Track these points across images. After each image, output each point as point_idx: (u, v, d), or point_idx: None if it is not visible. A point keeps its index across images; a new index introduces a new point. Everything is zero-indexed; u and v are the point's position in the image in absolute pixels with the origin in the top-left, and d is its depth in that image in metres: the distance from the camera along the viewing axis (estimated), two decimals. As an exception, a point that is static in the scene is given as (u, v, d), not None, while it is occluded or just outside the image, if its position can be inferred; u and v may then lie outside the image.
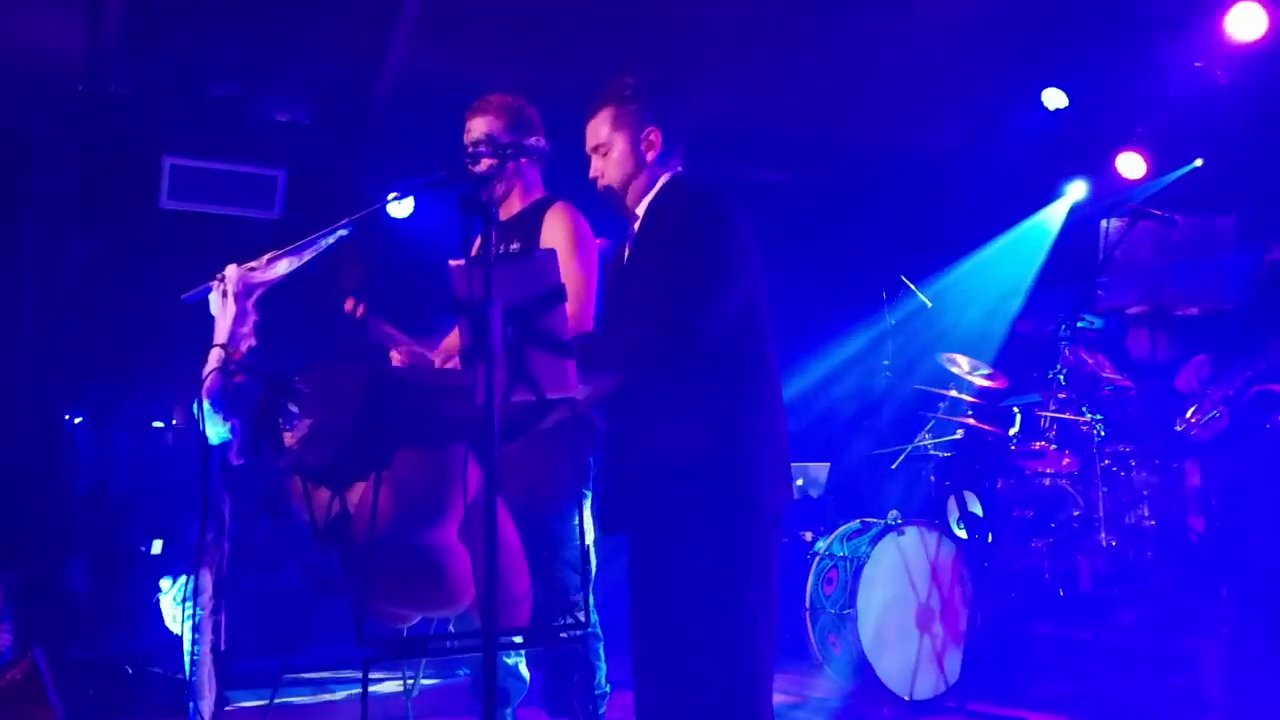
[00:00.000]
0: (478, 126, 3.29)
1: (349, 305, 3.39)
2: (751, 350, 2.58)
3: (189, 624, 3.31)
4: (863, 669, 4.56)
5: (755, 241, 2.62)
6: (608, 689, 3.43)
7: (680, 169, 2.72)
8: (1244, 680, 3.95)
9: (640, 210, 2.69)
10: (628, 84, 2.66)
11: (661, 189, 2.67)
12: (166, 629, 3.63)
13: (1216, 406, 3.73)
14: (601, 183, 2.71)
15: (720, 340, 2.51)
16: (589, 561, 3.25)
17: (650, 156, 2.66)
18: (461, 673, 5.49)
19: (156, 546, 5.71)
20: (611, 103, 2.67)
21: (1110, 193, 5.85)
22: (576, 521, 3.25)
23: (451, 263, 2.30)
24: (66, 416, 6.19)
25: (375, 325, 3.46)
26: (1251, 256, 4.07)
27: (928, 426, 5.52)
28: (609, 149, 2.67)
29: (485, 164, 2.58)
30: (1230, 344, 3.88)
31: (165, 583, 3.56)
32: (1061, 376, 4.81)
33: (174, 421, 6.64)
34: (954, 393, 5.34)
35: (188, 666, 3.32)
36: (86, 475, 6.26)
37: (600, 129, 2.68)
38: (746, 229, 2.60)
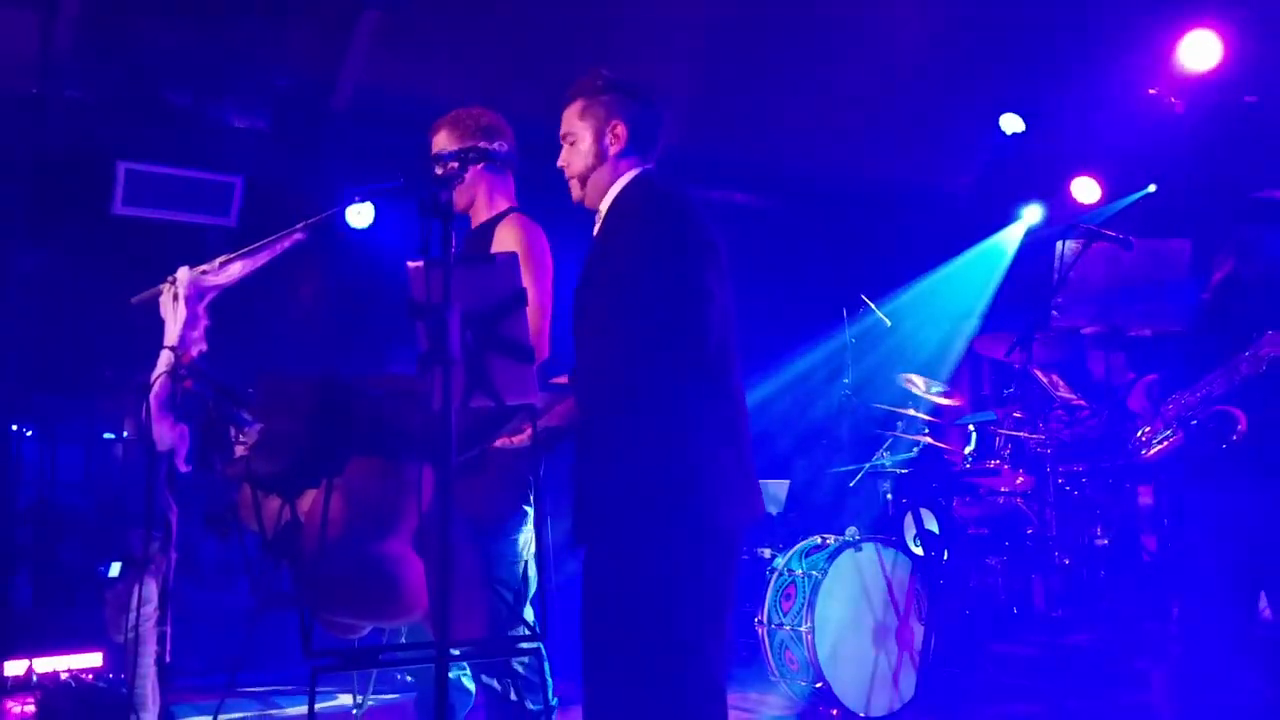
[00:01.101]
0: (440, 142, 3.28)
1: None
2: (713, 364, 2.56)
3: (131, 636, 3.23)
4: (820, 685, 4.55)
5: (720, 249, 2.61)
6: (555, 703, 3.39)
7: (650, 167, 2.72)
8: (1194, 700, 3.98)
9: (603, 207, 2.69)
10: (599, 77, 2.72)
11: (625, 188, 2.67)
12: (112, 643, 3.55)
13: (1169, 426, 3.77)
14: (567, 172, 2.76)
15: (675, 353, 2.49)
16: (527, 578, 3.20)
17: (614, 150, 2.69)
18: (408, 679, 5.42)
19: (114, 569, 5.59)
20: (582, 95, 2.73)
21: (1065, 217, 5.94)
22: (513, 538, 3.19)
23: (410, 264, 2.27)
24: (15, 427, 6.05)
25: None
26: (1204, 279, 4.14)
27: (886, 444, 5.55)
28: (575, 139, 2.73)
29: (448, 168, 2.56)
30: (1182, 365, 3.93)
31: (109, 593, 3.47)
32: (1016, 396, 4.86)
33: (124, 434, 6.52)
34: (912, 411, 5.37)
35: (131, 677, 3.24)
36: (33, 488, 6.13)
37: (570, 119, 2.74)
38: (710, 236, 2.59)
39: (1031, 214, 6.52)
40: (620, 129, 2.68)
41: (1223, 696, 3.95)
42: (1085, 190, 6.05)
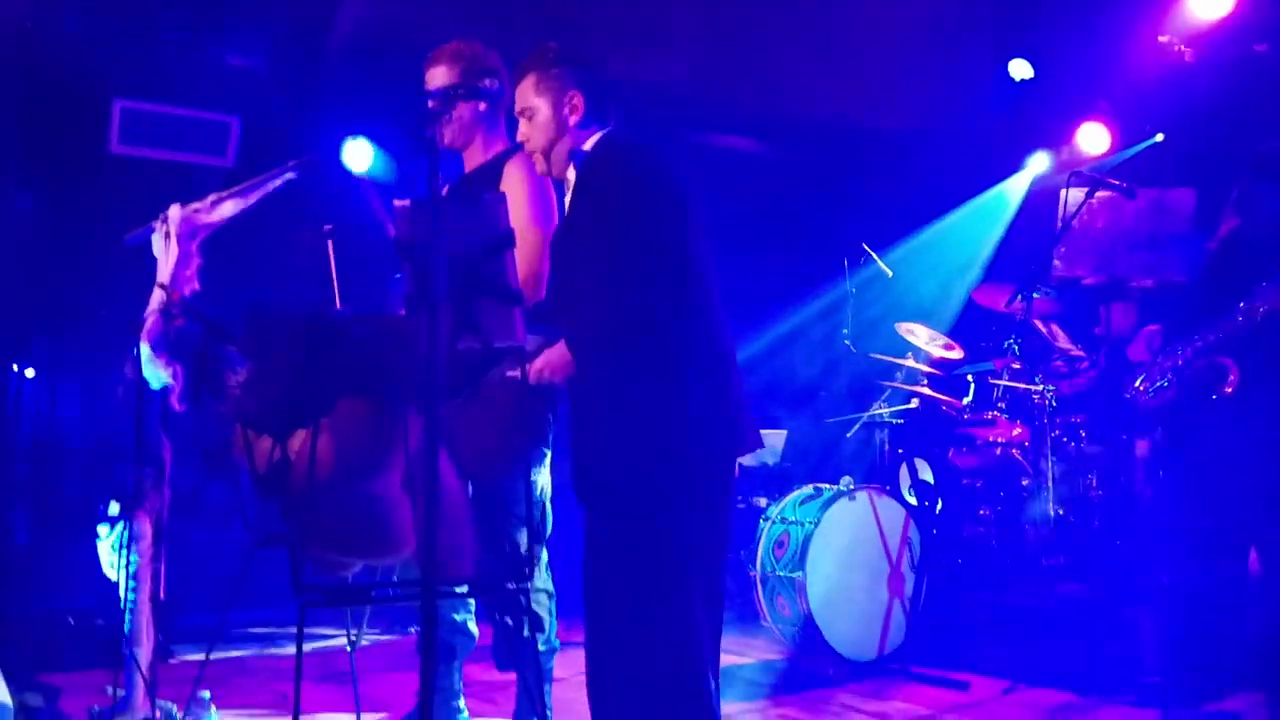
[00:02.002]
0: (435, 77, 3.24)
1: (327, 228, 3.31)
2: (691, 314, 2.57)
3: (126, 572, 3.26)
4: (810, 631, 4.59)
5: (688, 199, 2.60)
6: (557, 645, 3.43)
7: (612, 126, 2.75)
8: (1181, 647, 4.01)
9: (570, 175, 2.73)
10: (548, 50, 2.75)
11: (591, 151, 2.71)
12: (109, 581, 3.57)
13: (1165, 376, 3.76)
14: (528, 146, 2.78)
15: (655, 309, 2.50)
16: (543, 518, 3.24)
17: (573, 120, 2.73)
18: (411, 629, 5.49)
19: (114, 508, 5.63)
20: (534, 69, 2.75)
21: (1072, 166, 5.86)
22: (529, 479, 3.23)
23: (396, 203, 2.25)
24: (15, 368, 6.06)
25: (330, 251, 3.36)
26: (1208, 231, 4.10)
27: (884, 395, 5.54)
28: (534, 113, 2.75)
29: (433, 106, 2.54)
30: (1184, 316, 3.91)
31: (103, 529, 3.49)
32: (1016, 346, 4.83)
33: (126, 374, 6.53)
34: (910, 362, 5.35)
35: (126, 615, 3.28)
36: (32, 427, 6.15)
37: (526, 94, 2.76)
38: (676, 187, 2.59)
39: (1038, 163, 6.44)
40: (577, 99, 2.72)
41: (1211, 649, 3.98)
42: (1093, 139, 5.97)
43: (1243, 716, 3.71)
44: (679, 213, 2.57)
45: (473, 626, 3.53)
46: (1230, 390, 3.53)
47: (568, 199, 2.74)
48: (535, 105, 2.74)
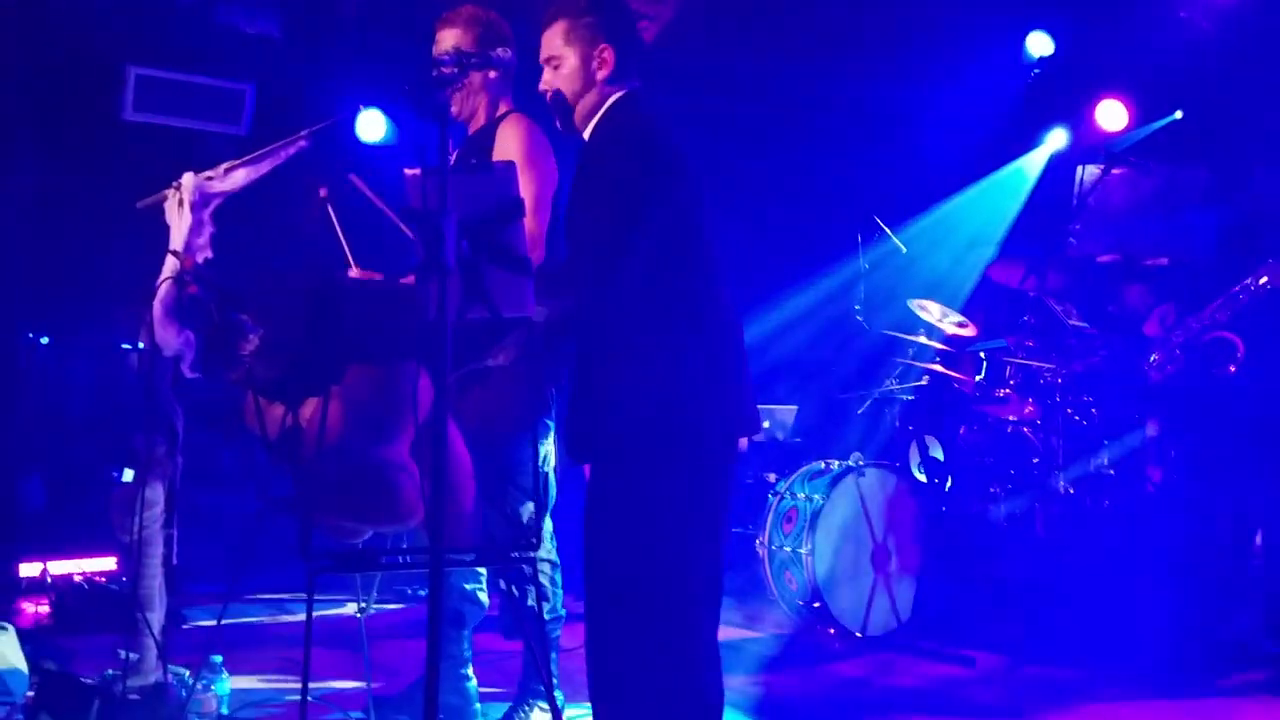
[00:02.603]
0: (446, 39, 3.21)
1: (322, 193, 3.29)
2: (694, 283, 2.54)
3: (139, 537, 3.29)
4: (816, 605, 4.61)
5: (688, 170, 2.57)
6: (563, 613, 3.45)
7: (636, 85, 2.66)
8: (1188, 628, 4.02)
9: (588, 132, 2.64)
10: None
11: (608, 110, 2.62)
12: (123, 546, 3.61)
13: (1175, 352, 3.76)
14: (550, 96, 2.66)
15: (657, 277, 2.47)
16: (546, 489, 3.26)
17: (601, 75, 2.61)
18: (420, 591, 5.53)
19: (128, 475, 5.67)
20: (565, 16, 2.61)
21: (1090, 142, 5.81)
22: (533, 449, 3.24)
23: (406, 171, 2.24)
24: (30, 335, 6.09)
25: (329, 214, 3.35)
26: (1220, 209, 4.07)
27: (895, 372, 5.52)
28: (560, 63, 2.62)
29: (445, 73, 2.51)
30: (1197, 294, 3.90)
31: (116, 495, 3.52)
32: (1029, 324, 4.81)
33: (140, 345, 6.56)
34: (923, 338, 5.34)
35: (137, 578, 3.31)
36: (47, 394, 6.19)
37: (553, 41, 2.62)
38: (675, 157, 2.54)
39: (1056, 138, 6.37)
40: (608, 53, 2.59)
41: (1217, 627, 3.98)
42: (1112, 115, 5.90)
43: (1247, 694, 3.72)
44: (682, 185, 2.52)
45: (483, 596, 3.56)
46: (1236, 367, 3.53)
47: (581, 157, 2.65)
48: (562, 54, 2.60)
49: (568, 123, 2.66)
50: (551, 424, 3.34)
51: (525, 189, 3.06)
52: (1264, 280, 3.50)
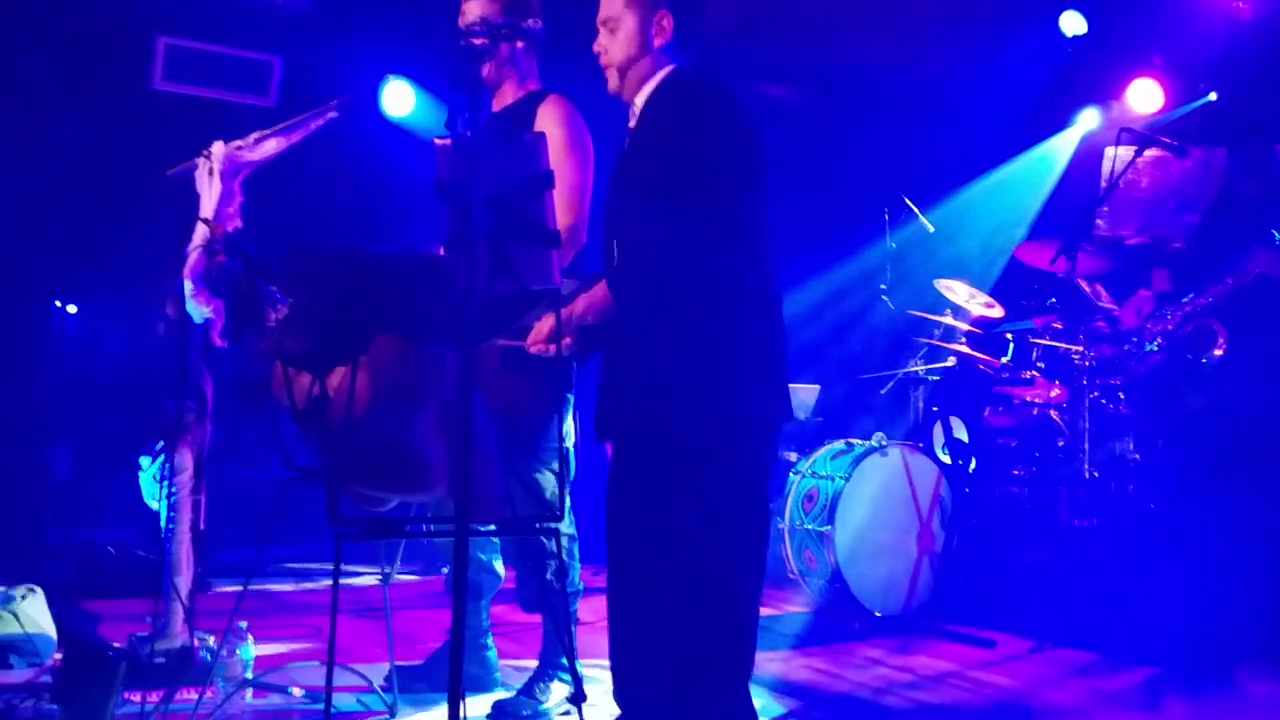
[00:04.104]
0: (472, 9, 3.20)
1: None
2: (749, 263, 2.51)
3: (166, 503, 3.32)
4: (837, 584, 4.61)
5: (759, 148, 2.54)
6: (581, 587, 3.47)
7: (684, 61, 2.63)
8: (1209, 616, 3.99)
9: (639, 101, 2.61)
10: None
11: (662, 82, 2.58)
12: (151, 512, 3.65)
13: (1154, 340, 3.73)
14: (604, 59, 2.63)
15: (717, 250, 2.44)
16: (567, 463, 3.26)
17: (658, 42, 2.58)
18: (444, 570, 5.57)
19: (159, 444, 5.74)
20: None
21: (1123, 124, 5.73)
22: (555, 424, 3.25)
23: (436, 141, 2.24)
24: (57, 304, 6.15)
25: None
26: (1241, 194, 4.01)
27: (921, 352, 5.49)
28: (617, 25, 2.59)
29: (478, 44, 2.49)
30: (1174, 281, 3.88)
31: (145, 461, 3.56)
32: (1057, 306, 4.77)
33: (167, 313, 6.61)
34: (949, 319, 5.30)
35: (166, 545, 3.35)
36: (76, 363, 6.26)
37: (613, 3, 2.60)
38: (749, 135, 2.52)
39: (1089, 119, 6.30)
40: (667, 20, 2.58)
41: (1236, 617, 3.96)
42: (1145, 96, 5.82)
43: (1265, 682, 3.70)
44: (751, 161, 2.49)
45: (498, 566, 3.58)
46: (1220, 353, 3.49)
47: (631, 124, 2.63)
48: (621, 18, 2.57)
49: (616, 89, 2.63)
50: (571, 397, 3.34)
51: (568, 176, 3.06)
52: (1251, 268, 3.46)
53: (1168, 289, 4.25)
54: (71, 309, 6.32)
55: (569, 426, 3.34)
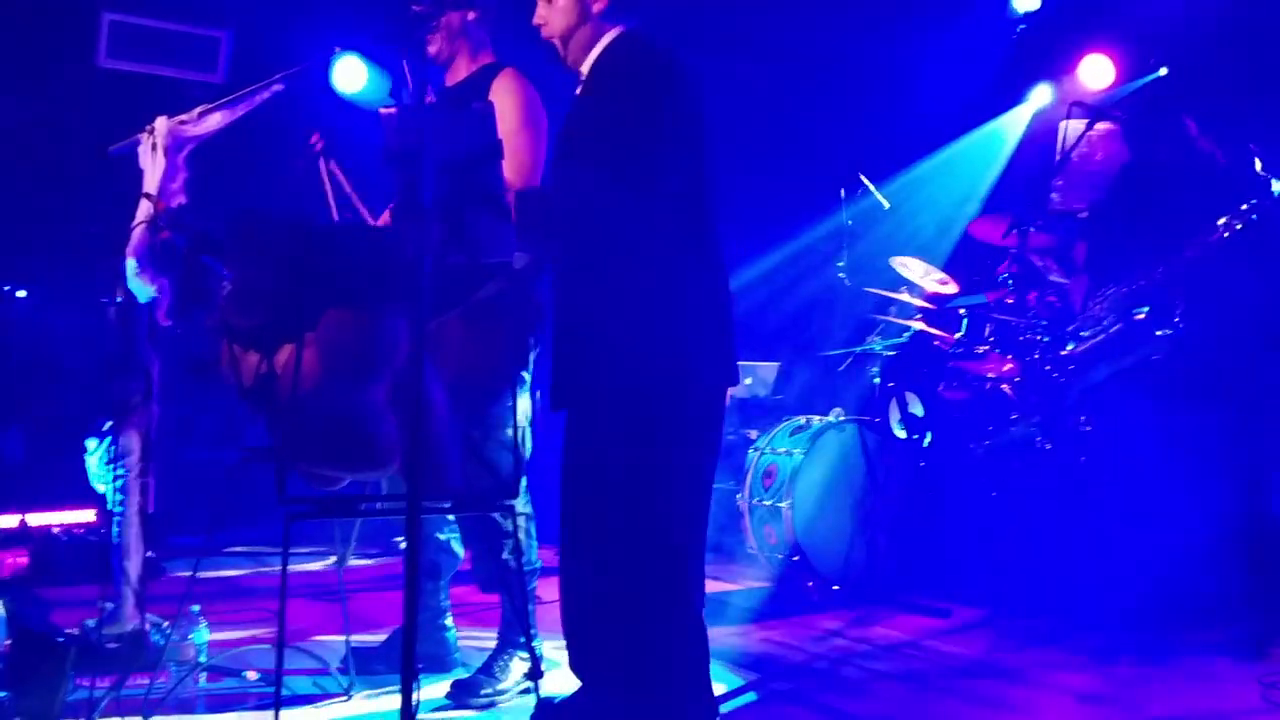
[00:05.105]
0: None
1: (314, 139, 3.25)
2: (692, 223, 2.51)
3: (114, 486, 3.27)
4: (796, 558, 4.64)
5: (703, 114, 2.54)
6: (539, 565, 3.46)
7: (631, 24, 2.62)
8: (1159, 584, 4.06)
9: (585, 67, 2.60)
10: None
11: (608, 46, 2.58)
12: (100, 496, 3.59)
13: (1102, 320, 3.78)
14: (545, 30, 2.63)
15: (658, 213, 2.44)
16: (523, 442, 3.24)
17: (597, 8, 2.59)
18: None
19: (108, 425, 5.65)
20: None
21: (1075, 99, 5.77)
22: (510, 403, 3.22)
23: (382, 109, 2.20)
24: (6, 288, 6.03)
25: (331, 169, 3.31)
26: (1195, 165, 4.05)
27: (877, 329, 5.52)
28: None
29: (417, 9, 2.46)
30: (1104, 261, 3.91)
31: (91, 443, 3.50)
32: (1010, 280, 4.80)
33: (118, 298, 6.50)
34: (905, 296, 5.33)
35: (114, 527, 3.29)
36: (26, 347, 6.14)
37: None
38: (692, 99, 2.52)
39: (1041, 95, 6.34)
40: None
41: (1190, 585, 4.03)
42: (1097, 71, 5.86)
43: (1217, 652, 3.77)
44: (695, 124, 2.49)
45: (456, 546, 3.56)
46: (1178, 326, 3.53)
47: (579, 90, 2.62)
48: None
49: (560, 58, 2.63)
50: (528, 376, 3.31)
51: (522, 151, 3.04)
52: (1214, 238, 3.50)
53: (1082, 259, 4.29)
54: (20, 293, 6.20)
55: (525, 405, 3.31)
